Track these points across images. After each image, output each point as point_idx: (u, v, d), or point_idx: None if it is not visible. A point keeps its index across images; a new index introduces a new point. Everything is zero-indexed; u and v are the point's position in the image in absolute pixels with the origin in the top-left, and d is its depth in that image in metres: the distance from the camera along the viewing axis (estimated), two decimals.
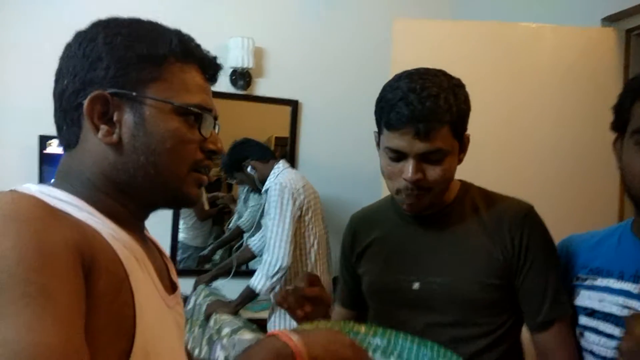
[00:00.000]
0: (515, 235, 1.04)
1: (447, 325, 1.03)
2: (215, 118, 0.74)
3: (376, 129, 1.08)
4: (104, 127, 0.67)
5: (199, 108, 0.70)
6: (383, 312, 1.12)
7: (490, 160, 1.98)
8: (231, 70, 2.73)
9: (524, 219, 1.06)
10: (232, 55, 2.67)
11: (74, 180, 0.68)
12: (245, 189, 2.75)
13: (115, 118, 0.67)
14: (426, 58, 1.98)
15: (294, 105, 2.84)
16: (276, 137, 2.93)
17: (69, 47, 0.70)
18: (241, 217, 2.77)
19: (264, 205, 2.31)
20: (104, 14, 0.73)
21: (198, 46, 0.73)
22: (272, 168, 2.33)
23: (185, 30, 0.75)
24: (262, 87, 2.82)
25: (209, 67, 0.74)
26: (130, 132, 0.67)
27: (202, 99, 0.71)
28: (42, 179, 2.46)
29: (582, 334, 1.03)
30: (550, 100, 2.02)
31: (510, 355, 1.08)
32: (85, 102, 0.66)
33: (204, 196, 2.93)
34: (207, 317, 2.08)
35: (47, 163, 2.48)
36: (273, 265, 2.10)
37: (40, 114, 2.48)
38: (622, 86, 1.60)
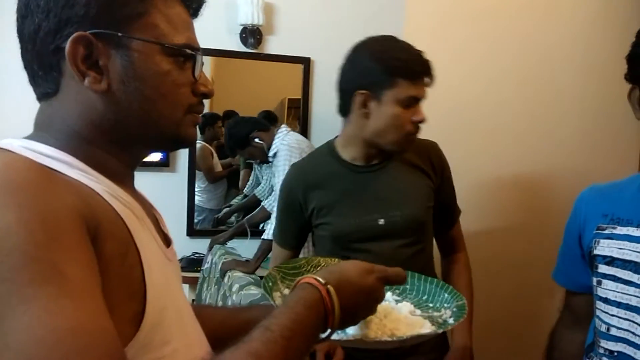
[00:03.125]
0: (436, 165, 1.41)
1: (406, 246, 1.35)
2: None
3: (351, 92, 1.31)
4: (90, 74, 0.60)
5: (190, 48, 0.66)
6: (349, 248, 1.34)
7: (511, 109, 1.94)
8: (241, 27, 2.66)
9: (438, 151, 1.44)
10: (241, 11, 2.60)
11: (57, 133, 0.62)
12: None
13: (101, 62, 0.61)
14: (442, 9, 1.91)
15: (306, 63, 2.77)
16: (289, 99, 2.88)
17: None
18: (258, 185, 2.78)
19: (274, 166, 2.35)
20: None
21: None
22: (275, 134, 2.38)
23: None
24: (273, 45, 2.75)
25: (192, 0, 0.69)
26: (119, 77, 0.61)
27: (190, 37, 0.67)
28: None
29: (600, 282, 1.04)
30: (572, 46, 1.94)
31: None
32: (67, 46, 0.58)
33: (215, 158, 2.93)
34: (223, 275, 2.11)
35: None
36: None
37: None
38: None
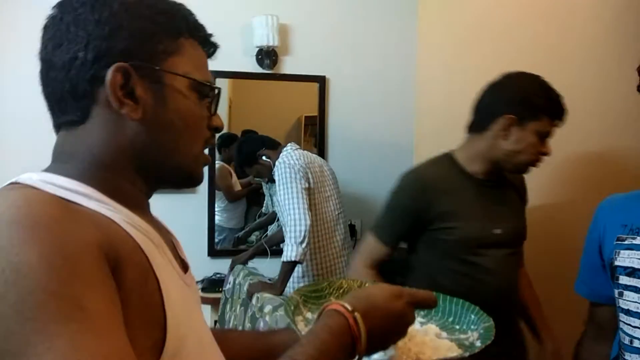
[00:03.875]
0: (525, 190, 1.64)
1: (512, 255, 1.52)
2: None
3: (498, 114, 1.43)
4: (128, 102, 0.63)
5: (209, 83, 0.71)
6: (473, 252, 1.47)
7: None
8: (257, 49, 2.71)
9: (524, 179, 1.64)
10: (257, 34, 2.65)
11: (79, 163, 0.63)
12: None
13: (137, 92, 0.63)
14: (455, 24, 1.93)
15: (321, 81, 2.81)
16: (306, 116, 2.92)
17: (71, 9, 0.64)
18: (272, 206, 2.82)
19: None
20: None
21: (201, 22, 0.72)
22: (280, 153, 2.39)
23: (209, 10, 0.74)
24: (289, 65, 2.80)
25: (209, 44, 0.74)
26: (152, 107, 0.65)
27: (209, 76, 0.72)
28: None
29: (621, 294, 1.03)
30: (593, 45, 1.93)
31: None
32: (109, 74, 0.61)
33: (234, 178, 2.96)
34: (250, 297, 2.11)
35: None
36: (297, 231, 2.15)
37: None
38: None
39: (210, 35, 0.73)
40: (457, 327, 0.88)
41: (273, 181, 2.45)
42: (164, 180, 0.71)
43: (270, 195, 2.82)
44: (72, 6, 0.63)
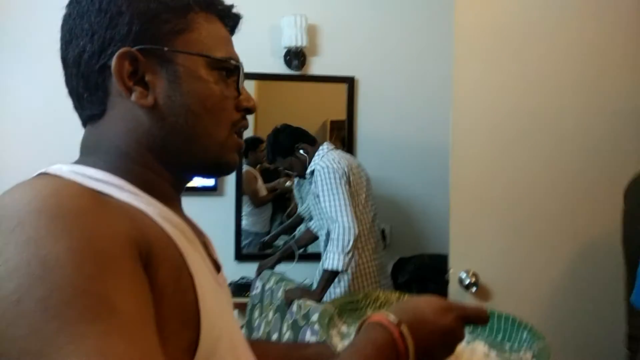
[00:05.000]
0: None
1: None
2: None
3: None
4: (137, 89, 0.60)
5: (233, 61, 0.65)
6: None
7: (572, 102, 1.84)
8: (285, 50, 2.67)
9: None
10: (285, 34, 2.61)
11: (105, 155, 0.61)
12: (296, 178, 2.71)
13: (147, 78, 0.60)
14: (494, 23, 1.85)
15: (350, 82, 2.75)
16: (331, 121, 2.85)
17: (76, 3, 0.62)
18: (301, 204, 2.75)
19: (309, 188, 2.32)
20: None
21: None
22: (316, 150, 2.31)
23: (237, 10, 0.68)
24: (317, 66, 2.75)
25: (230, 17, 0.67)
26: (165, 92, 0.61)
27: (231, 52, 0.66)
28: None
29: None
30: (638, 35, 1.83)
31: None
32: (113, 61, 0.58)
33: (259, 182, 2.92)
34: (289, 303, 2.05)
35: None
36: (345, 240, 2.07)
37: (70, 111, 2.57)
38: None
39: (230, 6, 0.67)
40: (507, 346, 0.81)
41: (303, 177, 2.40)
42: (190, 169, 0.67)
43: (300, 190, 2.75)
44: (77, 1, 0.62)
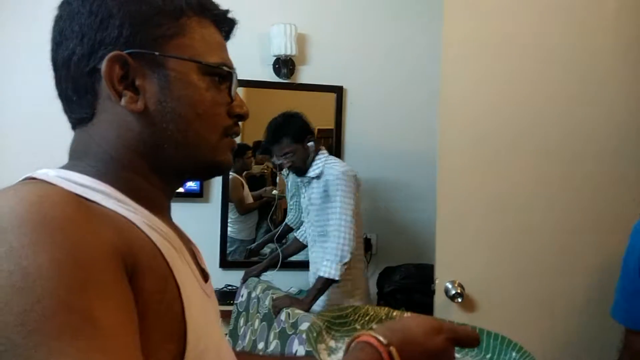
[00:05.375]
0: None
1: None
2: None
3: None
4: (126, 93, 0.58)
5: (225, 67, 0.64)
6: None
7: (558, 117, 1.86)
8: (274, 58, 2.67)
9: None
10: (274, 43, 2.61)
11: (93, 160, 0.60)
12: (292, 185, 2.68)
13: (137, 82, 0.59)
14: (481, 36, 1.88)
15: (338, 91, 2.76)
16: (319, 129, 2.85)
17: (67, 4, 0.61)
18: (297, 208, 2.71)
19: (309, 192, 2.26)
20: None
21: (212, 0, 0.66)
22: (316, 153, 2.26)
23: (231, 15, 0.67)
24: (306, 75, 2.76)
25: (225, 22, 0.67)
26: (155, 97, 0.59)
27: (225, 58, 0.65)
28: None
29: None
30: (620, 59, 1.87)
31: None
32: (103, 65, 0.57)
33: (246, 189, 2.91)
34: (277, 311, 2.03)
35: None
36: (344, 250, 2.08)
37: None
38: None
39: (225, 11, 0.66)
40: None
41: (300, 174, 2.28)
42: (181, 174, 0.66)
43: (291, 199, 2.71)
44: (68, 3, 0.61)
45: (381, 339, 0.59)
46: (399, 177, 2.78)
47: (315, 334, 0.77)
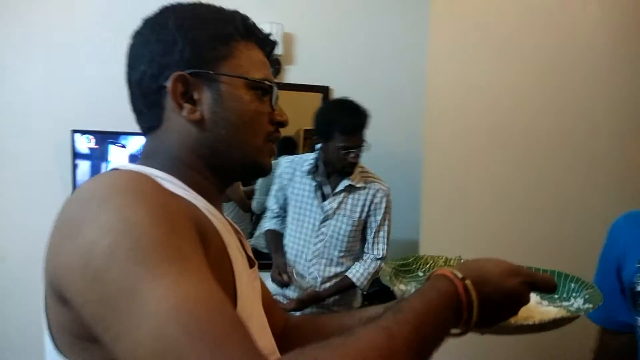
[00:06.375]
0: None
1: None
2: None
3: None
4: (187, 106, 0.72)
5: (268, 82, 0.76)
6: None
7: (539, 117, 1.88)
8: None
9: None
10: None
11: (161, 159, 0.73)
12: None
13: (195, 96, 0.72)
14: (466, 34, 1.90)
15: (324, 91, 2.77)
16: (305, 130, 2.86)
17: (139, 34, 0.74)
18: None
19: (344, 201, 2.18)
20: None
21: (256, 25, 0.78)
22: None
23: (272, 38, 0.80)
24: (292, 75, 2.76)
25: (267, 44, 0.80)
26: (210, 108, 0.72)
27: (267, 74, 0.77)
28: (75, 173, 2.47)
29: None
30: (600, 57, 1.90)
31: None
32: (169, 83, 0.71)
33: (240, 187, 2.89)
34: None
35: (80, 157, 2.49)
36: (378, 265, 2.14)
37: (72, 109, 2.53)
38: None
39: (267, 35, 0.79)
40: (557, 295, 0.85)
41: (347, 174, 2.19)
42: (232, 172, 0.77)
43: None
44: (139, 32, 0.75)
45: (457, 273, 0.66)
46: (385, 178, 2.79)
47: (387, 278, 0.85)
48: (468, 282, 0.64)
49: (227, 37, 0.74)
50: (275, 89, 0.78)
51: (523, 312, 0.73)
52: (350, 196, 2.16)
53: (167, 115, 0.74)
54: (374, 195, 2.16)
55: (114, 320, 0.50)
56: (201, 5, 0.77)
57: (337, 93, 2.79)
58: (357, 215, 2.16)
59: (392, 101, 2.82)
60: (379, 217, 2.15)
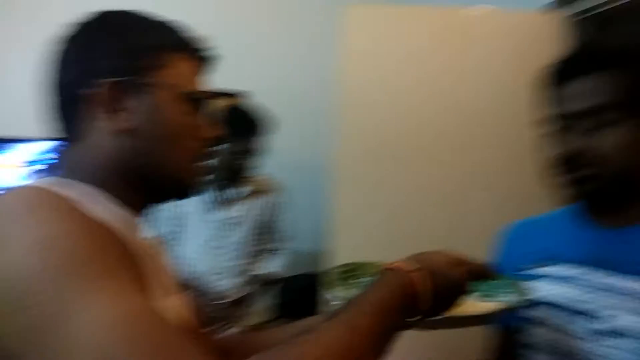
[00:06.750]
0: None
1: None
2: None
3: None
4: (114, 116, 0.68)
5: (200, 95, 0.73)
6: None
7: (435, 145, 1.95)
8: None
9: None
10: None
11: (86, 171, 0.68)
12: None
13: (124, 106, 0.68)
14: (376, 42, 1.95)
15: (237, 97, 2.74)
16: None
17: (67, 38, 0.70)
18: None
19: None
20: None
21: (191, 35, 0.75)
22: None
23: (208, 49, 0.76)
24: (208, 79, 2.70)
25: (202, 55, 0.76)
26: (140, 119, 0.68)
27: (200, 86, 0.74)
28: None
29: (526, 328, 0.99)
30: (500, 85, 2.01)
31: None
32: (95, 91, 0.67)
33: None
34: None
35: None
36: (285, 258, 2.26)
37: None
38: None
39: (202, 46, 0.75)
40: (482, 293, 0.86)
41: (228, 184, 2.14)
42: (156, 190, 0.73)
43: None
44: (67, 36, 0.70)
45: (409, 264, 0.68)
46: (293, 185, 2.79)
47: (329, 283, 0.83)
48: (422, 272, 0.67)
49: (159, 46, 0.71)
50: (207, 102, 0.74)
51: (469, 306, 0.77)
52: (249, 201, 2.13)
53: (91, 125, 0.69)
54: (269, 197, 2.18)
55: (46, 345, 0.48)
56: (134, 12, 0.73)
57: (250, 98, 2.77)
58: (258, 219, 2.14)
59: (305, 110, 2.85)
60: (277, 217, 2.19)
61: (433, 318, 0.72)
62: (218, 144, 0.75)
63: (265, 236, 2.20)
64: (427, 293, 0.66)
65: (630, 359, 0.82)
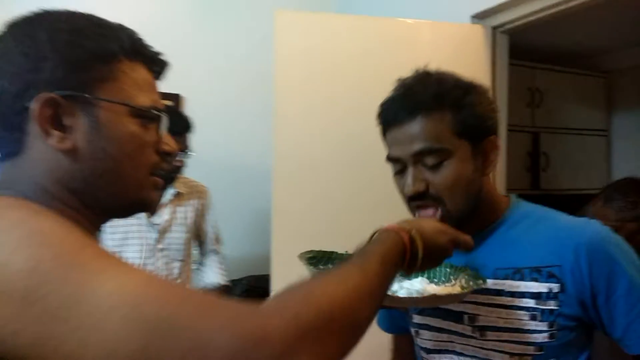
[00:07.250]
0: None
1: None
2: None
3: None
4: (56, 133, 0.61)
5: (155, 109, 0.67)
6: None
7: (365, 156, 2.01)
8: None
9: None
10: None
11: (23, 187, 0.62)
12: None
13: (66, 122, 0.62)
14: (307, 50, 1.98)
15: (175, 99, 2.70)
16: None
17: (1, 43, 0.63)
18: None
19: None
20: None
21: (144, 42, 0.69)
22: None
23: (162, 57, 0.71)
24: None
25: (157, 64, 0.70)
26: (85, 137, 0.62)
27: (155, 99, 0.68)
28: None
29: (417, 332, 1.05)
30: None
31: None
32: (34, 106, 0.60)
33: None
34: None
35: None
36: (221, 259, 2.30)
37: None
38: (490, 80, 1.63)
39: (156, 54, 0.70)
40: (436, 279, 0.96)
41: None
42: (111, 209, 0.68)
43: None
44: (1, 41, 0.63)
45: (403, 226, 0.74)
46: (237, 190, 2.78)
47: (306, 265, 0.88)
48: (414, 233, 0.74)
49: (108, 55, 0.63)
50: (163, 117, 0.69)
51: (434, 289, 0.88)
52: (179, 203, 2.11)
53: (31, 141, 0.62)
54: (200, 197, 2.18)
55: (67, 331, 0.46)
56: (80, 15, 0.65)
57: (188, 101, 2.74)
58: (191, 221, 2.13)
59: (245, 111, 2.85)
60: (208, 217, 2.21)
61: (417, 296, 0.85)
62: (175, 157, 0.71)
63: (197, 240, 2.22)
64: (418, 252, 0.74)
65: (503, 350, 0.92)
